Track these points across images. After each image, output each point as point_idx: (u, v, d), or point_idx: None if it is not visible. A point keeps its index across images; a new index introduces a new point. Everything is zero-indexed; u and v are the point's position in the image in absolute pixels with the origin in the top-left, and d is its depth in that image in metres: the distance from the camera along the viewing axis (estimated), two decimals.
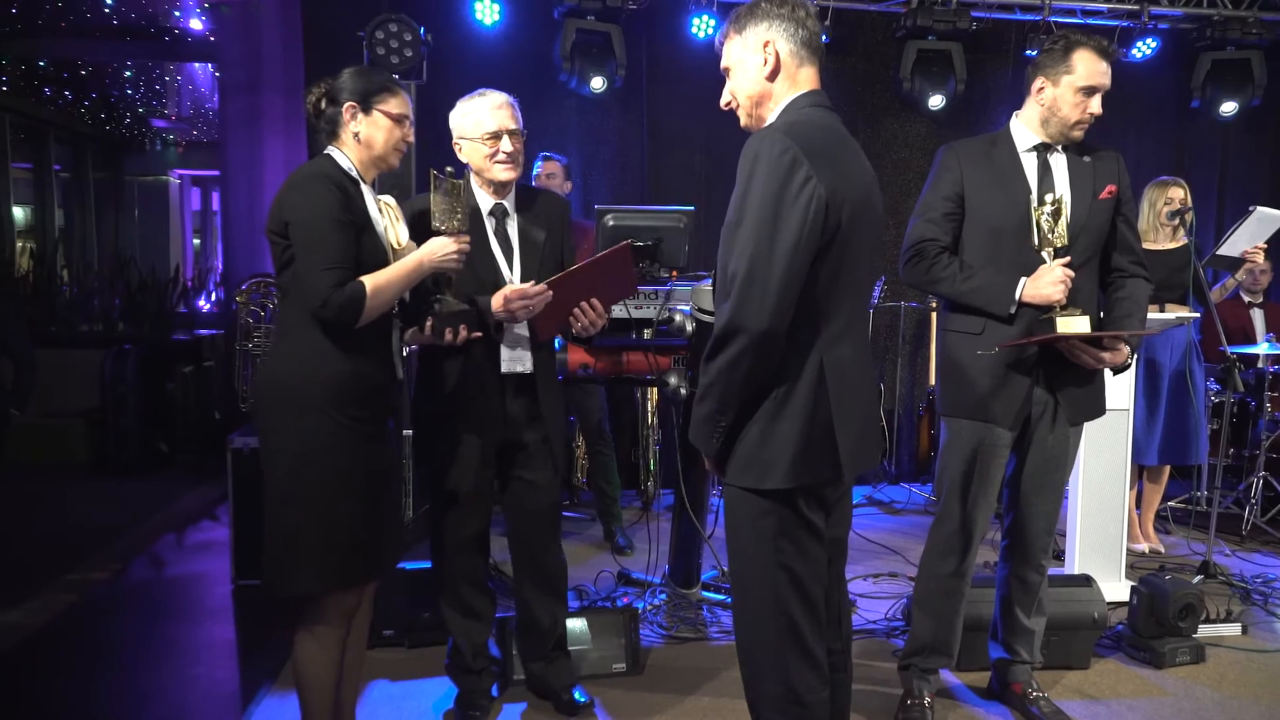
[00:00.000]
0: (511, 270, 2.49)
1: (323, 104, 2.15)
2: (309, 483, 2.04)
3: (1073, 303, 2.43)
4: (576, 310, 2.47)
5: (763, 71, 1.82)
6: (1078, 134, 2.48)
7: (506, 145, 2.43)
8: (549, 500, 2.61)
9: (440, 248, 2.15)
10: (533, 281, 2.41)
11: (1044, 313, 2.42)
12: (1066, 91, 2.43)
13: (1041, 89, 2.47)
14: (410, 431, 2.90)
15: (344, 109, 2.12)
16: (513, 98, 2.50)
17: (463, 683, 2.65)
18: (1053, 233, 2.41)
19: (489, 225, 2.50)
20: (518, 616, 2.71)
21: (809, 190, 1.67)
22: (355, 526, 2.08)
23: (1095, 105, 2.44)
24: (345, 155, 2.14)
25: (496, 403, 2.47)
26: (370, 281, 2.04)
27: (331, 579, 2.08)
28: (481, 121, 2.42)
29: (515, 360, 2.48)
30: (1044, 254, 2.43)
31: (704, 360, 1.75)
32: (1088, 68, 2.41)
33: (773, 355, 1.71)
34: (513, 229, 2.52)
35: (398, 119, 2.15)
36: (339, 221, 2.03)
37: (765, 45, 1.81)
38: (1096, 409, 2.61)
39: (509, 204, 2.53)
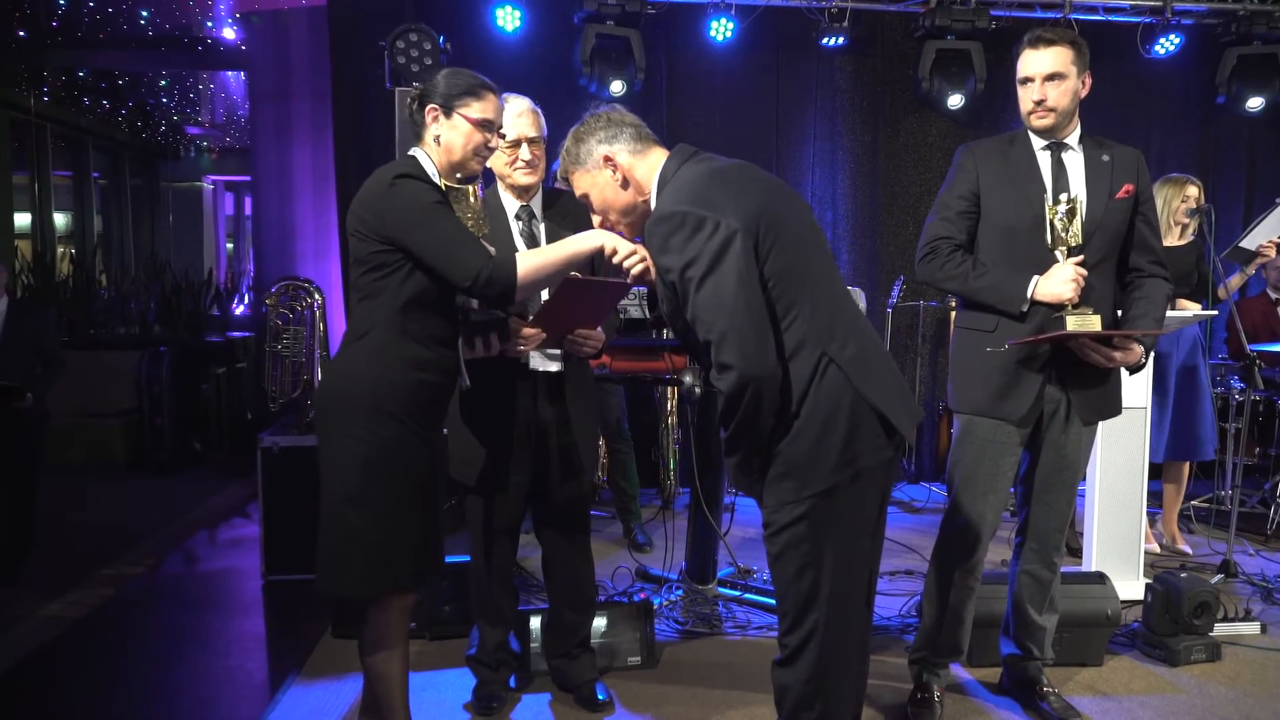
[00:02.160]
0: None
1: (414, 106, 2.14)
2: (377, 486, 2.03)
3: (1085, 301, 2.44)
4: (570, 343, 2.46)
5: (616, 185, 1.91)
6: (1036, 122, 2.52)
7: (525, 154, 2.48)
8: (578, 502, 2.65)
9: (601, 237, 2.06)
10: (530, 319, 2.40)
11: (1056, 311, 2.44)
12: (1017, 88, 2.55)
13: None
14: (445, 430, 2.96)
15: (427, 111, 2.11)
16: (534, 104, 2.55)
17: (482, 675, 2.73)
18: (1066, 232, 2.42)
19: (515, 228, 2.54)
20: (551, 616, 2.76)
21: (721, 233, 1.71)
22: (414, 531, 2.09)
23: (1035, 93, 2.49)
24: (428, 158, 2.12)
25: (527, 404, 2.51)
26: (522, 260, 2.05)
27: (390, 582, 2.09)
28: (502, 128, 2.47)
29: (543, 360, 2.52)
30: (1057, 253, 2.45)
31: (721, 422, 1.78)
32: (1022, 61, 2.51)
33: (776, 388, 1.74)
34: (540, 231, 2.56)
35: (479, 124, 2.10)
36: (445, 206, 2.03)
37: (605, 162, 1.90)
38: (1112, 408, 2.62)
39: (535, 206, 2.57)
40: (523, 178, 2.51)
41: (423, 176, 2.06)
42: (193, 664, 3.10)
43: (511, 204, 2.56)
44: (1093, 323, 2.42)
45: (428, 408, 2.11)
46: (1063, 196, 2.45)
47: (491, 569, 2.61)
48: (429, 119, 2.11)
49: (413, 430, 2.07)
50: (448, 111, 2.10)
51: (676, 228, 1.73)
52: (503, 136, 2.42)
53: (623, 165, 1.90)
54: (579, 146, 1.93)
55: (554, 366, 2.54)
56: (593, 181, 1.94)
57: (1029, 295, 2.44)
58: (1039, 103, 2.49)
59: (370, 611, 2.14)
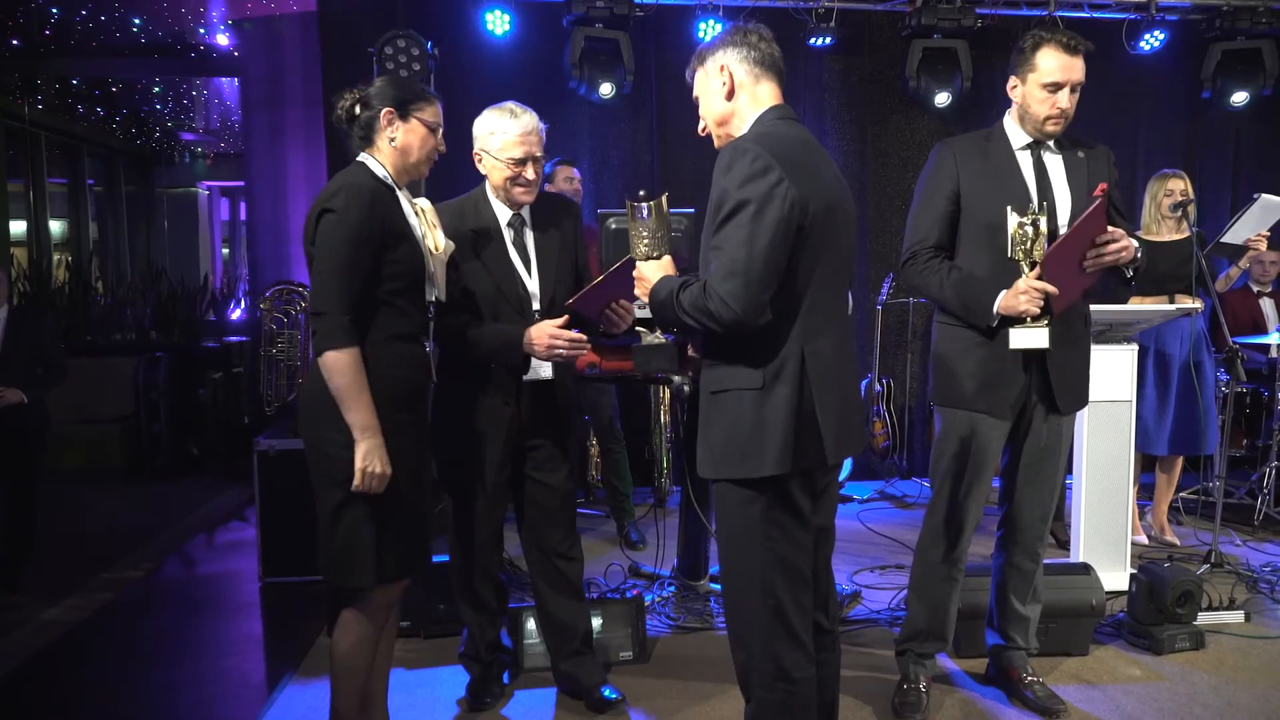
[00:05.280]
0: (530, 279, 2.55)
1: (356, 109, 2.16)
2: None
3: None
4: (609, 314, 2.52)
5: (722, 93, 1.96)
6: (1051, 129, 2.51)
7: (529, 173, 2.48)
8: (564, 501, 2.68)
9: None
10: (564, 320, 2.43)
11: (1018, 323, 2.47)
12: (1034, 88, 2.48)
13: (1014, 87, 2.54)
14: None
15: (381, 115, 2.14)
16: (542, 122, 2.52)
17: (474, 671, 2.77)
18: (1029, 243, 2.43)
19: (508, 236, 2.55)
20: (538, 615, 2.79)
21: (781, 191, 1.78)
22: (407, 523, 2.18)
23: (1063, 101, 2.47)
24: (380, 162, 2.17)
25: (514, 407, 2.55)
26: (353, 365, 2.03)
27: (389, 571, 2.16)
28: (509, 147, 2.46)
29: (539, 367, 2.54)
30: (1022, 265, 2.46)
31: (686, 321, 1.85)
32: (1051, 63, 2.45)
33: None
34: (529, 239, 2.57)
35: (433, 128, 2.19)
36: (364, 246, 2.05)
37: (721, 69, 1.96)
38: (1084, 399, 2.66)
39: (525, 214, 2.59)
40: (522, 196, 2.52)
41: (372, 187, 2.09)
42: (190, 666, 3.13)
43: (504, 212, 2.56)
44: (1038, 337, 2.44)
45: (407, 402, 2.17)
46: (1030, 208, 2.46)
47: (474, 565, 2.63)
48: (384, 122, 2.15)
49: (402, 426, 2.14)
50: (404, 115, 2.15)
51: (749, 161, 1.80)
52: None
53: (735, 78, 1.95)
54: (709, 49, 2.00)
55: (546, 374, 2.56)
56: (705, 83, 1.99)
57: (995, 310, 2.47)
58: (1062, 110, 2.47)
59: (351, 598, 2.20)
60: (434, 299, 2.26)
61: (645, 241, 1.98)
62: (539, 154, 2.49)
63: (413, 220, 2.19)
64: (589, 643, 2.78)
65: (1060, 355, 2.52)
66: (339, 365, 2.03)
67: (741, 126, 1.96)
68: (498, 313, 2.51)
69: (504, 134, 2.46)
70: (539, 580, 2.73)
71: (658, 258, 1.99)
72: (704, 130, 2.06)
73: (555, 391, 2.60)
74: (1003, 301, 2.45)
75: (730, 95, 1.96)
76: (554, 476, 2.65)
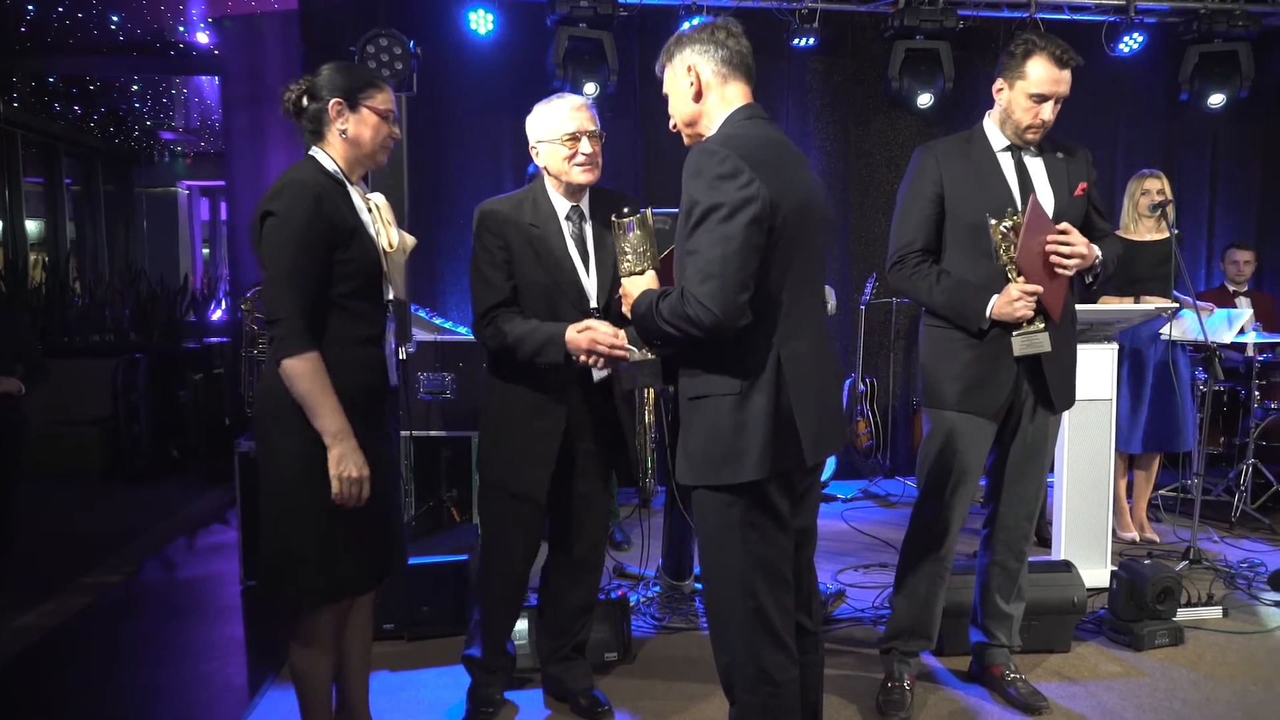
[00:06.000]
0: (588, 275, 2.46)
1: (304, 101, 2.07)
2: (313, 493, 2.01)
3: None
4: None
5: (689, 93, 1.95)
6: (1030, 137, 2.53)
7: (585, 147, 2.38)
8: (601, 509, 2.61)
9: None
10: (604, 323, 2.34)
11: (1011, 329, 2.49)
12: (1020, 96, 2.49)
13: (1000, 90, 2.54)
14: (477, 434, 2.88)
15: (329, 106, 2.05)
16: (590, 102, 2.46)
17: (479, 678, 2.66)
18: (1014, 248, 2.44)
19: (566, 229, 2.46)
20: (546, 618, 2.71)
21: (751, 191, 1.77)
22: (354, 538, 2.07)
23: (1046, 112, 2.48)
24: (330, 156, 2.08)
25: (566, 409, 2.44)
26: (314, 370, 1.97)
27: (328, 590, 2.08)
28: (560, 123, 2.38)
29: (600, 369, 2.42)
30: (1009, 271, 2.48)
31: (663, 329, 1.83)
32: (1040, 74, 2.45)
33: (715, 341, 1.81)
34: (589, 232, 2.48)
35: (384, 114, 2.10)
36: (311, 248, 1.98)
37: (689, 70, 1.94)
38: (1073, 397, 2.68)
39: (584, 207, 2.49)
40: (581, 175, 2.40)
41: (319, 185, 2.01)
42: (172, 670, 3.10)
43: (562, 205, 2.46)
44: (1040, 341, 2.47)
45: (361, 409, 2.06)
46: (1009, 211, 2.47)
47: (514, 575, 2.54)
48: (333, 114, 2.06)
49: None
50: (354, 105, 2.07)
51: (716, 164, 1.78)
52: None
53: (702, 79, 1.94)
54: (676, 46, 1.98)
55: (600, 373, 2.45)
56: (673, 82, 1.99)
57: (988, 314, 2.49)
58: (1044, 122, 2.48)
59: (299, 612, 2.14)
60: (391, 299, 2.17)
61: (629, 258, 1.98)
62: (592, 129, 2.40)
63: (365, 216, 2.10)
64: (582, 648, 2.74)
65: (1054, 354, 2.54)
66: (299, 371, 1.96)
67: (710, 127, 1.94)
68: (556, 309, 2.40)
69: (553, 114, 2.40)
70: (557, 584, 2.65)
71: (641, 273, 1.98)
72: (674, 127, 2.05)
73: (613, 392, 2.50)
74: (996, 309, 2.47)
75: (698, 96, 1.94)
76: (594, 484, 2.56)
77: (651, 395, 4.80)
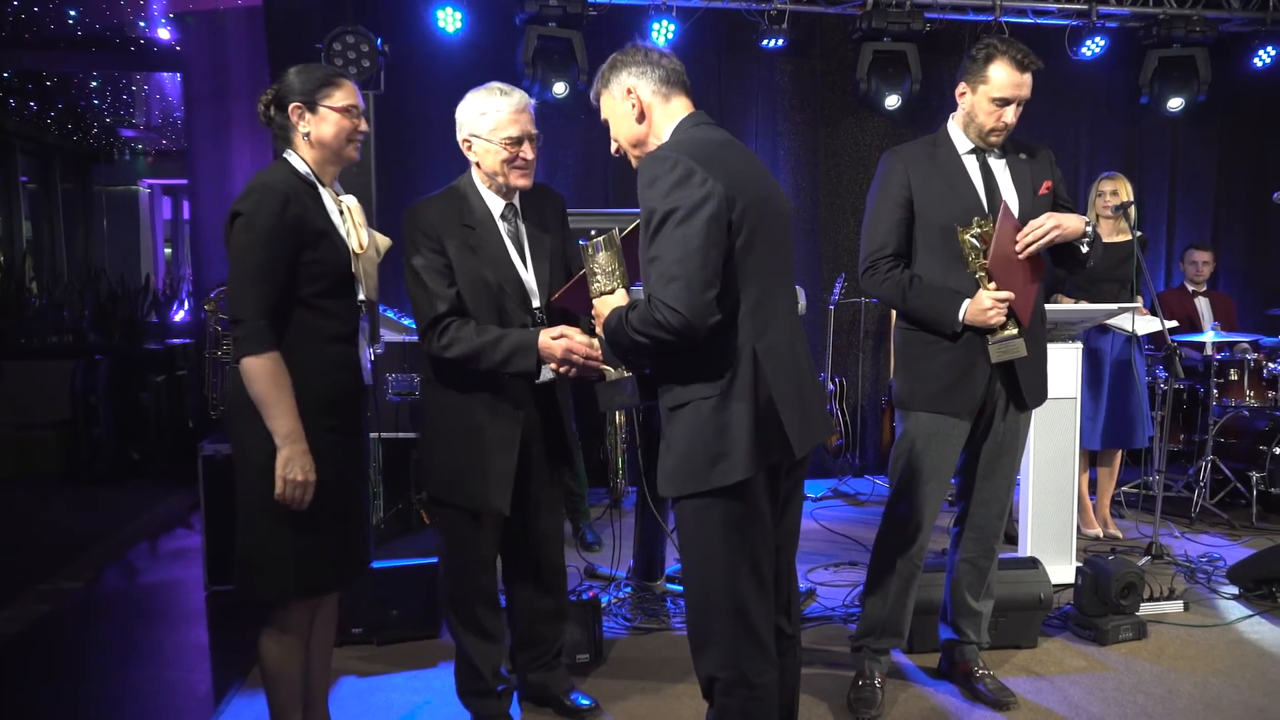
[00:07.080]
0: (527, 271, 2.41)
1: (272, 110, 2.11)
2: None
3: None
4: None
5: (632, 115, 1.96)
6: (994, 140, 2.56)
7: (527, 152, 2.34)
8: (558, 513, 2.58)
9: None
10: (577, 331, 2.30)
11: (984, 334, 2.52)
12: (982, 100, 2.52)
13: (963, 94, 2.57)
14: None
15: (290, 111, 2.08)
16: (532, 104, 2.38)
17: (482, 707, 2.53)
18: (984, 254, 2.47)
19: (503, 228, 2.40)
20: (520, 630, 2.62)
21: (706, 190, 1.77)
22: (326, 535, 2.09)
23: (1009, 115, 2.51)
24: (301, 158, 2.11)
25: (523, 414, 2.39)
26: (272, 370, 1.98)
27: (302, 586, 2.10)
28: (502, 125, 2.31)
29: (546, 370, 2.36)
30: (978, 279, 2.50)
31: (633, 338, 1.81)
32: (1002, 78, 2.48)
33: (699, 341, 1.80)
34: (524, 230, 2.44)
35: (345, 110, 2.10)
36: (277, 248, 2.00)
37: (629, 93, 1.96)
38: (1045, 394, 2.72)
39: (517, 203, 2.44)
40: (520, 180, 2.36)
41: (289, 187, 2.03)
42: (135, 677, 3.04)
43: (496, 203, 2.40)
44: (1016, 347, 2.50)
45: (334, 406, 2.10)
46: (976, 219, 2.50)
47: (476, 590, 2.44)
48: (294, 118, 2.09)
49: (320, 434, 2.05)
50: (312, 106, 2.09)
51: (668, 169, 1.78)
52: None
53: (643, 100, 1.95)
54: (611, 71, 1.98)
55: (548, 375, 2.37)
56: (613, 107, 1.99)
57: (960, 319, 2.52)
58: (1007, 125, 2.51)
59: (271, 610, 2.16)
60: (363, 299, 2.17)
61: (599, 279, 1.97)
62: (534, 133, 2.35)
63: (335, 218, 2.12)
64: (560, 654, 2.69)
65: (1027, 354, 2.57)
66: (257, 371, 1.98)
67: (660, 140, 1.94)
68: (502, 309, 2.35)
69: (496, 113, 2.31)
70: (523, 593, 2.58)
71: (612, 291, 1.97)
72: (617, 151, 2.04)
73: (556, 394, 2.47)
74: (969, 315, 2.50)
75: (641, 118, 1.95)
76: (549, 489, 2.52)
77: None
